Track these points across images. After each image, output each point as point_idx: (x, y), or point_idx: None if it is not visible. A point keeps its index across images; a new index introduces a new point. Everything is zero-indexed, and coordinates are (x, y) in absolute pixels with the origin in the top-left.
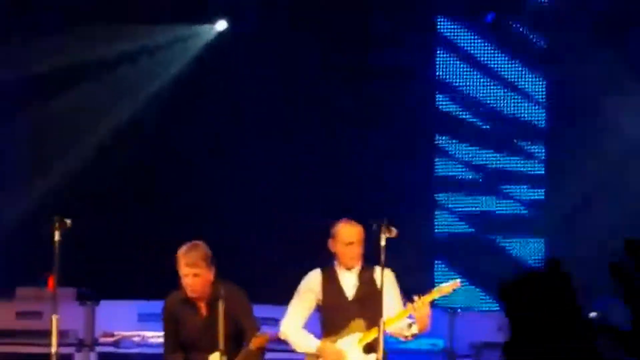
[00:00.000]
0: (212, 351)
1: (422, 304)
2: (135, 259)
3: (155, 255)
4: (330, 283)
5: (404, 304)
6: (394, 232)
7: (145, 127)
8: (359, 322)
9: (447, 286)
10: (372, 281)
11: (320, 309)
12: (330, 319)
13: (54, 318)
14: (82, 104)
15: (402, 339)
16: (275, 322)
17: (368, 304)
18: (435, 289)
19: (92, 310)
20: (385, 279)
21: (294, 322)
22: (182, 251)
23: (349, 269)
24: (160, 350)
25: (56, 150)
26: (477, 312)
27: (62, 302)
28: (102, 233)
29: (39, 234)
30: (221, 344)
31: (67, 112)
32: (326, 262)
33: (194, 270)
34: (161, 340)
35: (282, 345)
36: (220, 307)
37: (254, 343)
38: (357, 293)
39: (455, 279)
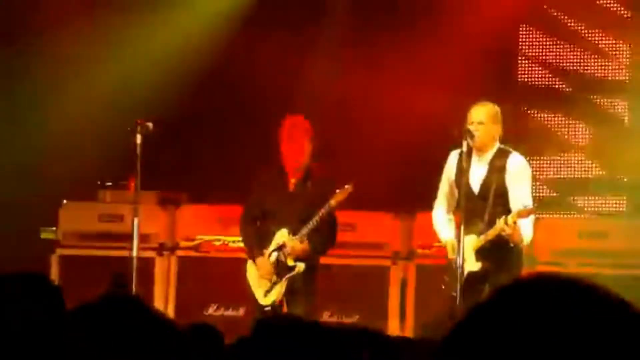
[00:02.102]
0: (286, 225)
1: (503, 225)
2: (218, 163)
3: (238, 160)
4: (462, 169)
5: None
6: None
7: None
8: (476, 223)
9: (525, 211)
10: (502, 172)
11: None
12: (462, 208)
13: (135, 221)
14: None
15: None
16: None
17: (492, 200)
18: (515, 212)
19: (174, 213)
20: (512, 169)
21: (436, 206)
22: (286, 121)
23: (477, 151)
24: (241, 255)
25: (138, 51)
26: (558, 218)
27: (144, 206)
28: (185, 136)
29: (123, 137)
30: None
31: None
32: None
33: (297, 143)
34: (241, 244)
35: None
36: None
37: (335, 198)
38: (482, 186)
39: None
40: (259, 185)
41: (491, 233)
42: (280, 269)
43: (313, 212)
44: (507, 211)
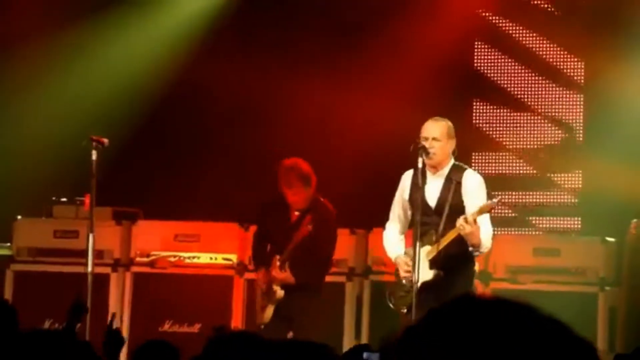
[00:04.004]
0: (285, 252)
1: (463, 222)
2: (173, 179)
3: (193, 176)
4: (416, 187)
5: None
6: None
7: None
8: (431, 235)
9: (486, 206)
10: (458, 188)
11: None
12: (415, 224)
13: (90, 237)
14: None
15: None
16: None
17: (448, 214)
18: (477, 208)
19: (129, 229)
20: (468, 185)
21: (389, 226)
22: (281, 170)
23: (432, 168)
24: (195, 271)
25: (95, 68)
26: (513, 235)
27: (98, 222)
28: (141, 152)
29: (78, 153)
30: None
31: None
32: None
33: (292, 191)
34: (196, 260)
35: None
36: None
37: (297, 236)
38: (438, 201)
39: (494, 200)
40: (265, 215)
41: (449, 235)
42: (269, 294)
43: (310, 243)
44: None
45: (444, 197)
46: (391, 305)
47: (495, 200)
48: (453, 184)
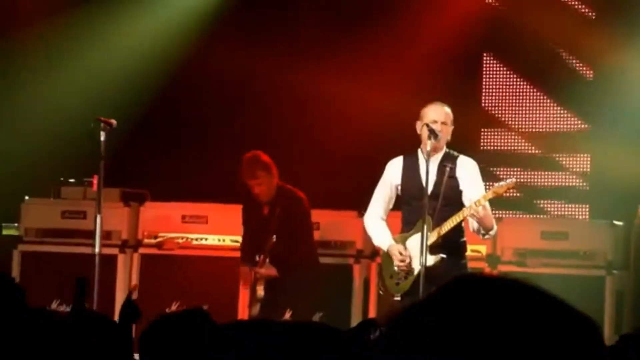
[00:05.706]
0: (263, 248)
1: (477, 207)
2: (181, 160)
3: (201, 158)
4: (410, 172)
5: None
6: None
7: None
8: (428, 220)
9: (502, 187)
10: (453, 173)
11: (399, 199)
12: (406, 211)
13: (98, 218)
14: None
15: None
16: None
17: (444, 199)
18: (489, 190)
19: (137, 211)
20: (464, 169)
21: (374, 213)
22: (242, 165)
23: (432, 152)
24: (202, 253)
25: (104, 49)
26: (521, 218)
27: (106, 203)
28: (149, 134)
29: (86, 134)
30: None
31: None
32: None
33: (256, 182)
34: (204, 242)
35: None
36: (278, 211)
37: (268, 246)
38: (434, 186)
39: (511, 179)
40: (244, 211)
41: (453, 219)
42: (252, 293)
43: (288, 231)
44: (458, 209)
45: (439, 182)
46: (381, 292)
47: (512, 179)
48: (447, 168)
